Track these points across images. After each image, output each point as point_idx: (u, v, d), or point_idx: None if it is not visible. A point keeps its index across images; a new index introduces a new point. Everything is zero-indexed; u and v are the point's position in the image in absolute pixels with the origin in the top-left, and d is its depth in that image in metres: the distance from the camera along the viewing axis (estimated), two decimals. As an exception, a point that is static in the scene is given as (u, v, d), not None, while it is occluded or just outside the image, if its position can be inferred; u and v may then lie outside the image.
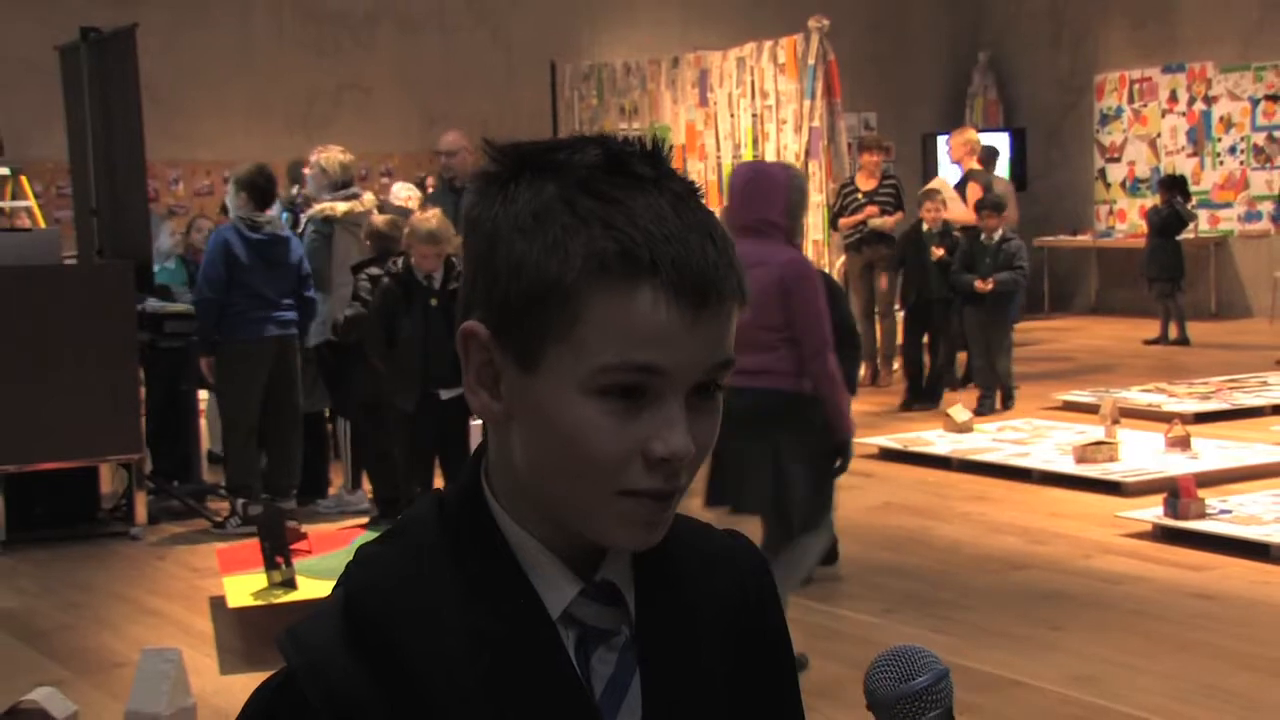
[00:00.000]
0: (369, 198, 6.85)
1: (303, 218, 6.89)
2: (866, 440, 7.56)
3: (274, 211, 6.78)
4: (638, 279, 0.84)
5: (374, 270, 6.03)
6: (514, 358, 0.88)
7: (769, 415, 4.04)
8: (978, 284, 8.37)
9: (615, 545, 0.89)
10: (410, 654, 0.87)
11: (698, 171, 10.46)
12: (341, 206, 6.51)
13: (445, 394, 5.59)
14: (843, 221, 9.62)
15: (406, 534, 0.93)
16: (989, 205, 8.53)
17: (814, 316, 4.07)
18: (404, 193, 8.58)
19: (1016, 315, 8.96)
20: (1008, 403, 8.54)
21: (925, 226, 8.88)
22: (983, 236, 8.48)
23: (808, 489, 4.15)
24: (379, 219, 6.28)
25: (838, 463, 4.15)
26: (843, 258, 9.91)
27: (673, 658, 0.94)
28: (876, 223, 9.45)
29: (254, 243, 6.33)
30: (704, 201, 0.90)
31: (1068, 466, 6.88)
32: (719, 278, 0.86)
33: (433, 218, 5.70)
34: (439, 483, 5.93)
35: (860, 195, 9.56)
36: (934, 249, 8.76)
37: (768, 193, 4.17)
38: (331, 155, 6.76)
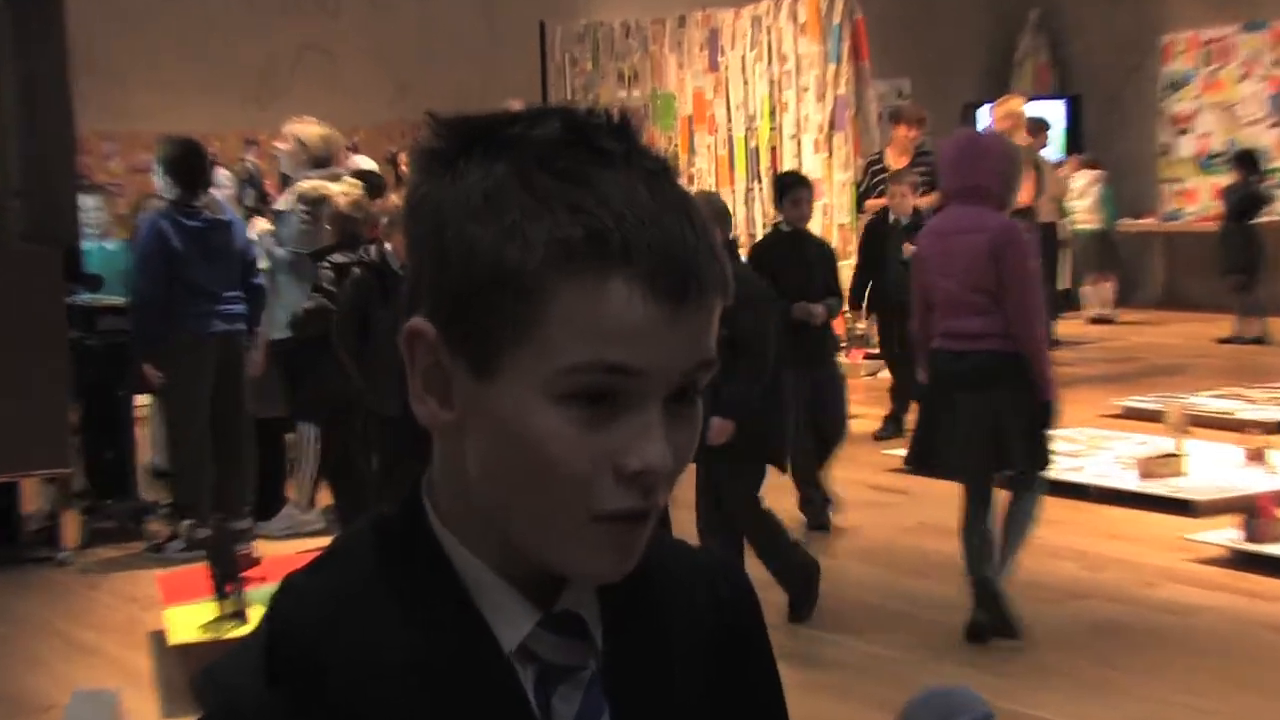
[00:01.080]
0: (353, 180, 6.85)
1: (282, 198, 6.87)
2: (898, 452, 7.56)
3: (229, 190, 6.78)
4: (609, 268, 0.84)
5: (338, 258, 6.04)
6: (466, 360, 0.87)
7: (990, 377, 4.77)
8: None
9: (584, 576, 0.89)
10: (340, 695, 0.87)
11: (707, 146, 10.48)
12: (334, 186, 6.52)
13: None
14: (869, 203, 9.62)
15: (339, 560, 0.93)
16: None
17: (1023, 282, 4.76)
18: (365, 165, 8.61)
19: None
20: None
21: (892, 216, 8.05)
22: (782, 225, 8.14)
23: (1028, 449, 4.87)
24: (342, 200, 6.28)
25: (1046, 424, 4.90)
26: None
27: (645, 693, 0.94)
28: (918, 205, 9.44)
29: (191, 230, 6.31)
30: (679, 181, 0.89)
31: (1130, 482, 6.88)
32: (700, 266, 0.86)
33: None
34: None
35: (888, 174, 9.56)
36: (905, 245, 7.69)
37: (981, 159, 4.86)
38: (310, 128, 6.79)
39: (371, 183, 7.64)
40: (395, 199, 5.86)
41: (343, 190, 6.42)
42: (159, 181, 6.56)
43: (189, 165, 6.38)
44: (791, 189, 6.43)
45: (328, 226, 6.27)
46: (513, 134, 0.87)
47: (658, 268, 0.84)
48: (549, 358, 0.84)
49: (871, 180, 9.64)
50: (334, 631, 0.88)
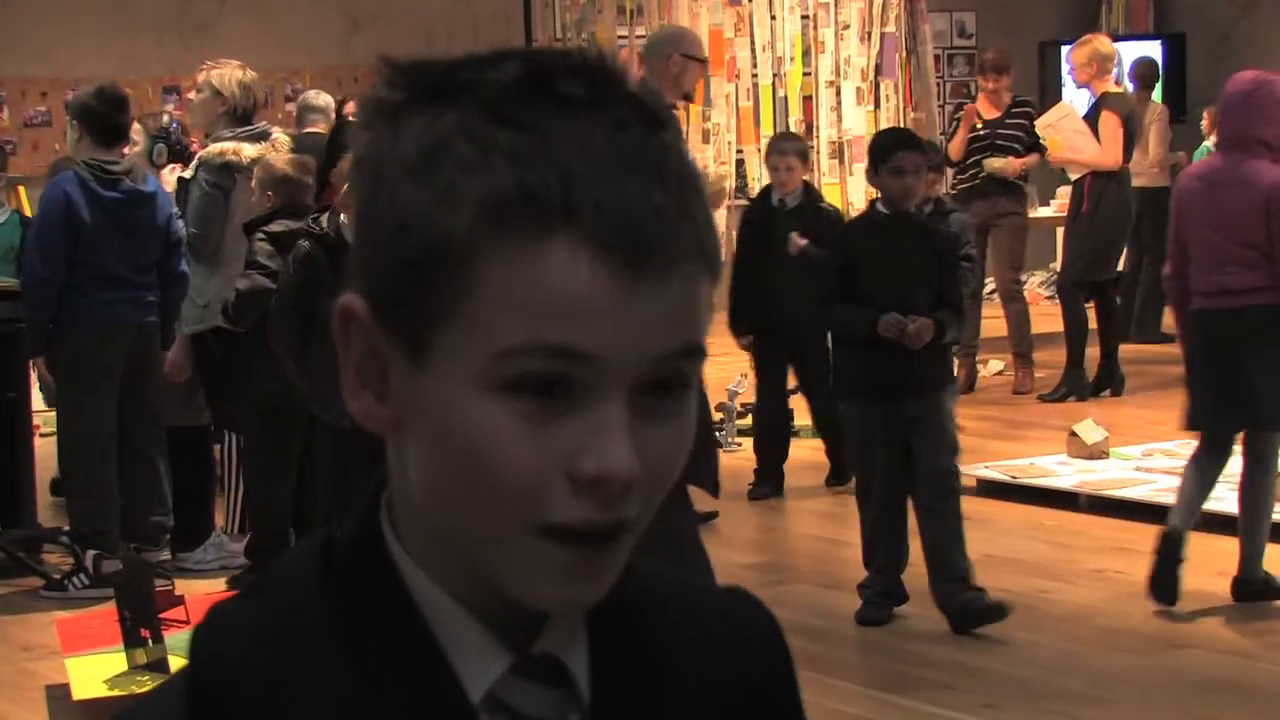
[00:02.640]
0: (282, 137, 6.84)
1: (194, 164, 6.88)
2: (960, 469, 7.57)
3: (137, 148, 6.78)
4: (548, 229, 0.84)
5: (275, 228, 6.06)
6: (401, 344, 0.88)
7: (1270, 331, 5.40)
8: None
9: (537, 603, 0.89)
10: None
11: (727, 95, 10.48)
12: (249, 149, 6.50)
13: None
14: (953, 146, 9.65)
15: (277, 587, 0.94)
16: (794, 149, 7.75)
17: None
18: (317, 99, 8.61)
19: (960, 338, 7.43)
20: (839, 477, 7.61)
21: (776, 197, 7.56)
22: (773, 197, 7.62)
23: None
24: (280, 159, 6.29)
25: None
26: None
27: None
28: (998, 165, 9.48)
29: (106, 202, 6.32)
30: (668, 134, 0.89)
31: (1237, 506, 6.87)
32: (664, 230, 0.86)
33: None
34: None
35: (980, 125, 9.60)
36: (793, 236, 7.31)
37: (1267, 107, 5.37)
38: (227, 74, 6.74)
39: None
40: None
41: (257, 151, 6.42)
42: (70, 138, 6.56)
43: (100, 116, 6.37)
44: (888, 152, 5.53)
45: (268, 192, 6.27)
46: (464, 79, 0.88)
47: (607, 228, 0.84)
48: (482, 340, 0.85)
49: (958, 128, 9.68)
50: (264, 675, 0.89)
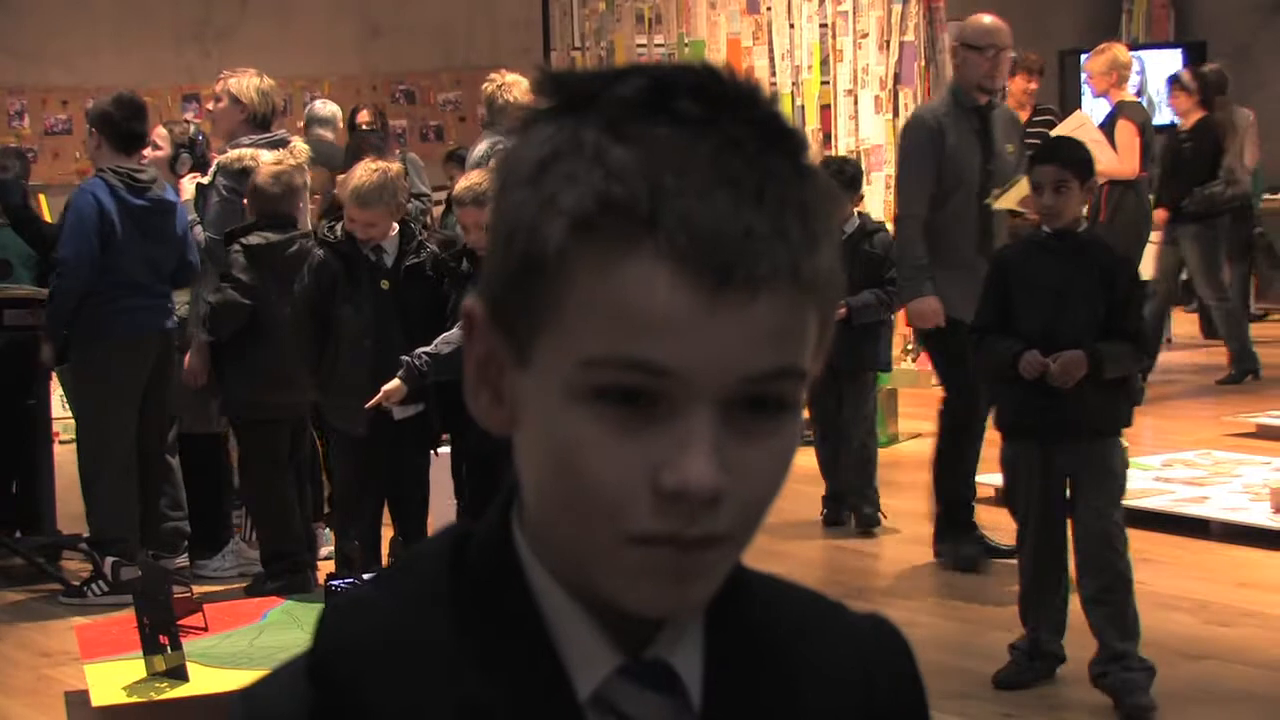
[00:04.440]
0: (300, 145, 6.87)
1: (212, 170, 6.91)
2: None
3: (163, 152, 6.81)
4: (632, 242, 0.86)
5: (254, 240, 6.11)
6: (510, 347, 0.91)
7: None
8: None
9: (630, 608, 0.91)
10: None
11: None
12: (267, 156, 6.54)
13: (400, 413, 5.63)
14: None
15: (407, 576, 0.97)
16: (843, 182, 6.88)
17: None
18: (324, 109, 8.62)
19: (887, 360, 7.42)
20: (867, 524, 7.07)
21: None
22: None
23: None
24: (264, 170, 6.32)
25: None
26: None
27: None
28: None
29: (134, 209, 6.37)
30: (785, 157, 0.89)
31: (1262, 517, 6.86)
32: (752, 250, 0.86)
33: (376, 171, 5.76)
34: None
35: None
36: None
37: None
38: (246, 81, 6.79)
39: (372, 144, 7.70)
40: (362, 168, 5.88)
41: (274, 158, 6.45)
42: (90, 146, 6.60)
43: (118, 124, 6.42)
44: (1037, 160, 5.06)
45: (247, 204, 6.32)
46: (592, 91, 0.90)
47: (689, 245, 0.85)
48: (570, 348, 0.87)
49: None
50: (384, 663, 0.92)
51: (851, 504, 7.11)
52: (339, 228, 5.79)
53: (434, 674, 0.91)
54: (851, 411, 7.06)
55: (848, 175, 7.03)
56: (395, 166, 6.05)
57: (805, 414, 6.14)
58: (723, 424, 0.87)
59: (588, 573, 0.90)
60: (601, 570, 0.90)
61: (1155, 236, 10.37)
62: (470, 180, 5.77)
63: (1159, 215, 9.95)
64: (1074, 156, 4.96)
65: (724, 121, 0.89)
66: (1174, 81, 10.48)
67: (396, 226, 5.80)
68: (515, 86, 7.64)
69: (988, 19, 6.66)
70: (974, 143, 6.44)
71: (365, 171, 5.76)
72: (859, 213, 7.21)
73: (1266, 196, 13.92)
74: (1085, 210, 5.18)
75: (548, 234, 0.87)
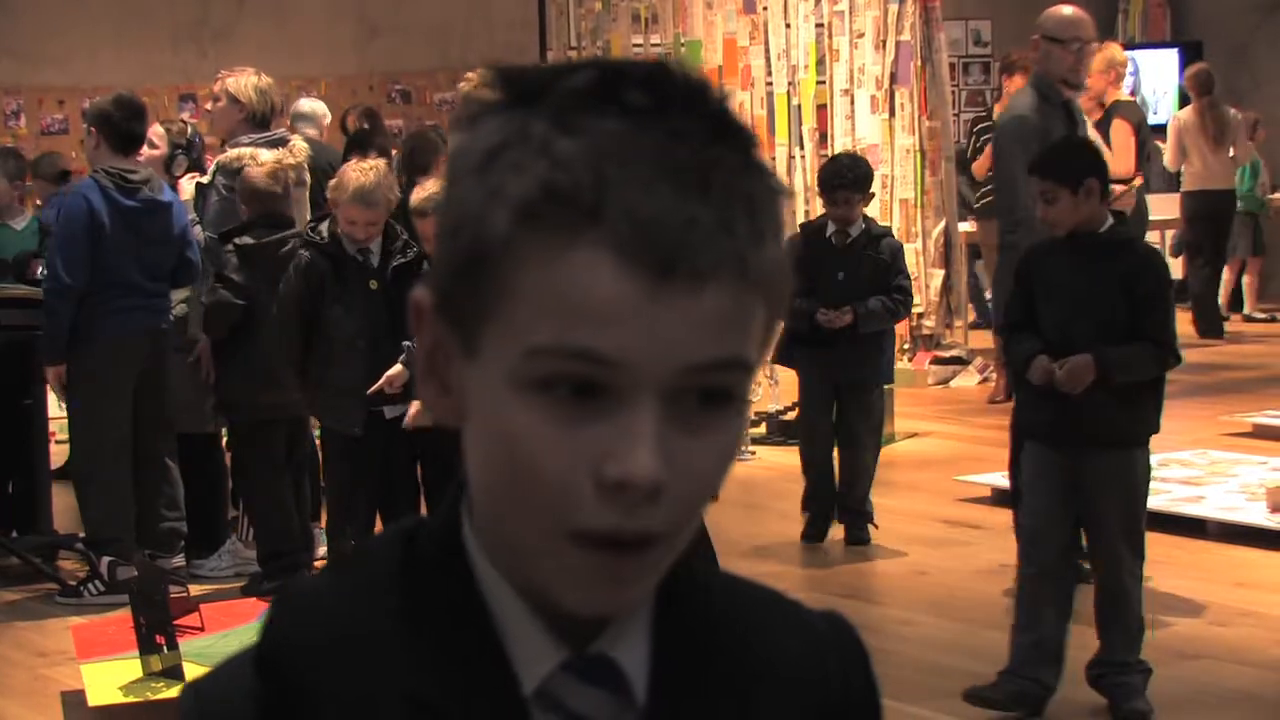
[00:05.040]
0: (299, 143, 6.87)
1: (209, 168, 6.91)
2: (974, 478, 7.56)
3: (159, 151, 6.80)
4: (576, 232, 0.86)
5: (248, 240, 6.11)
6: (456, 338, 0.91)
7: None
8: (824, 317, 6.47)
9: (565, 607, 0.91)
10: None
11: (740, 103, 10.48)
12: (266, 155, 6.53)
13: (390, 412, 5.63)
14: (977, 167, 9.65)
15: (357, 570, 0.97)
16: (839, 181, 6.62)
17: None
18: (307, 106, 8.65)
19: (890, 372, 7.24)
20: (858, 534, 6.75)
21: (831, 229, 6.74)
22: (829, 232, 6.66)
23: None
24: (256, 170, 6.31)
25: None
26: (968, 225, 9.91)
27: None
28: None
29: (126, 211, 6.35)
30: (734, 149, 0.90)
31: (1258, 517, 6.86)
32: (695, 240, 0.86)
33: (371, 170, 5.75)
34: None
35: None
36: (829, 314, 6.56)
37: None
38: (244, 80, 6.78)
39: (381, 146, 7.71)
40: (354, 167, 5.88)
41: (273, 157, 6.44)
42: (88, 146, 6.59)
43: (117, 123, 6.41)
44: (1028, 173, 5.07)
45: (242, 205, 6.32)
46: (541, 83, 0.91)
47: (633, 235, 0.86)
48: (516, 338, 0.88)
49: (978, 143, 9.67)
50: (331, 656, 0.92)
51: (846, 519, 6.70)
52: (323, 227, 5.78)
53: (381, 667, 0.91)
54: (858, 424, 6.68)
55: (859, 174, 6.69)
56: (383, 163, 6.04)
57: (791, 416, 5.81)
58: (667, 416, 0.88)
59: (529, 569, 0.91)
60: (542, 568, 0.90)
61: (1153, 237, 10.38)
62: (428, 190, 5.74)
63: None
64: (1053, 164, 4.86)
65: (672, 114, 0.89)
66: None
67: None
68: None
69: (1068, 10, 6.43)
70: (1066, 135, 6.10)
71: (361, 171, 5.75)
72: (865, 215, 6.79)
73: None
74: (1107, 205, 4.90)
75: (493, 224, 0.88)
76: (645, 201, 0.86)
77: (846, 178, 6.60)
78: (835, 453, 6.74)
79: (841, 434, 6.72)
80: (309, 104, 9.01)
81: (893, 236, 7.08)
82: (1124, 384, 4.63)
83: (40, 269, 6.88)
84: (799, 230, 6.99)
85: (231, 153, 6.63)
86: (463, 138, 0.93)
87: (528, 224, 0.87)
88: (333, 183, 5.88)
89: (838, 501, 6.74)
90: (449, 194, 0.93)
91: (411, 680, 0.91)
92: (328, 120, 9.09)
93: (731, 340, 0.89)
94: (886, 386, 8.43)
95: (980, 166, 9.66)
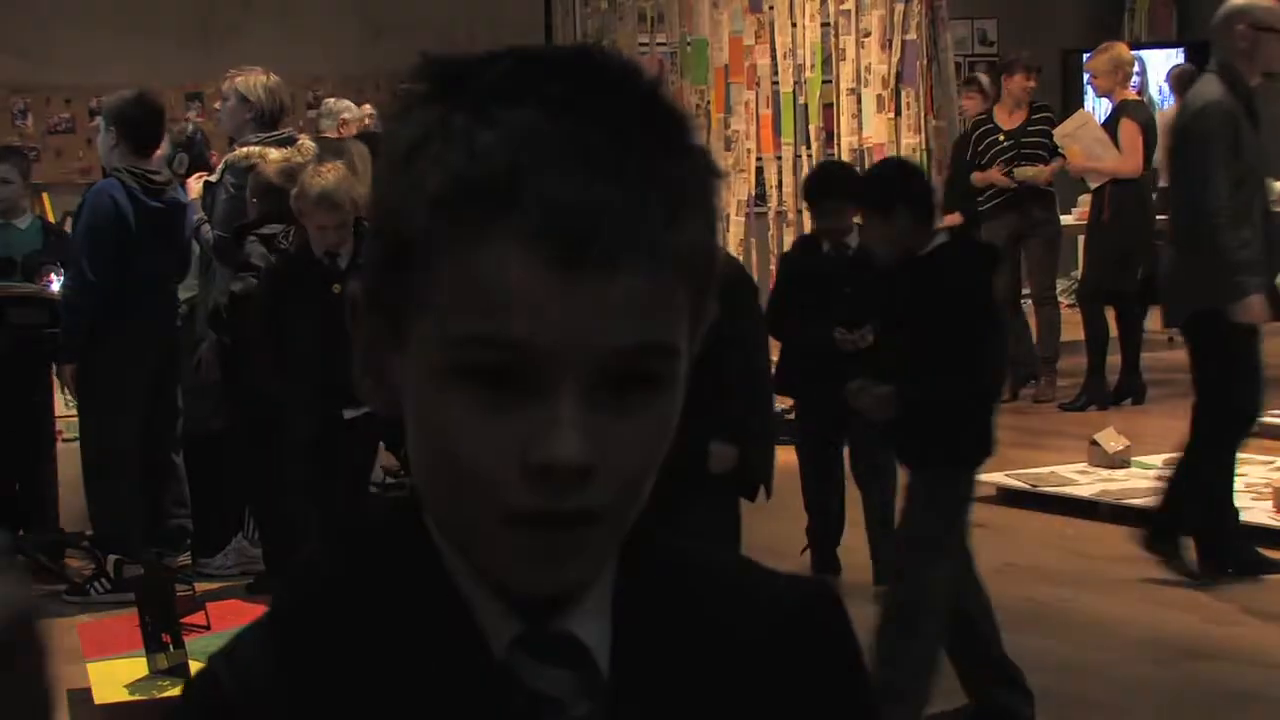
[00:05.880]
0: (307, 142, 6.88)
1: (220, 167, 6.92)
2: (980, 477, 7.55)
3: (162, 152, 6.82)
4: (488, 220, 0.87)
5: (272, 229, 6.14)
6: (385, 332, 0.93)
7: None
8: (844, 338, 5.86)
9: (514, 587, 0.93)
10: (345, 692, 0.93)
11: (746, 102, 10.48)
12: (275, 154, 6.53)
13: (349, 413, 5.65)
14: (977, 176, 9.63)
15: (351, 545, 1.00)
16: (826, 191, 6.09)
17: None
18: (338, 107, 8.66)
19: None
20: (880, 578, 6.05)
21: (826, 246, 6.20)
22: (827, 247, 6.13)
23: None
24: (270, 168, 6.32)
25: None
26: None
27: None
28: (1030, 174, 9.45)
29: (150, 211, 6.38)
30: (665, 132, 0.90)
31: (1264, 516, 6.86)
32: (609, 226, 0.87)
33: (330, 172, 5.74)
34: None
35: (1002, 138, 9.56)
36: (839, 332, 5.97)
37: None
38: (252, 79, 6.78)
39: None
40: (313, 171, 5.87)
41: (282, 155, 6.44)
42: (104, 145, 6.59)
43: (138, 122, 6.43)
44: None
45: (253, 200, 6.31)
46: (462, 74, 0.91)
47: (545, 221, 0.86)
48: (437, 329, 0.89)
49: (978, 146, 9.64)
50: (337, 625, 0.95)
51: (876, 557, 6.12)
52: (291, 233, 5.78)
53: (377, 639, 0.94)
54: (880, 454, 5.84)
55: (850, 182, 6.04)
56: (341, 165, 6.03)
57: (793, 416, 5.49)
58: (591, 400, 0.88)
59: (476, 552, 0.93)
60: (484, 550, 0.92)
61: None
62: None
63: (949, 219, 9.83)
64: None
65: (589, 100, 0.89)
66: (969, 83, 10.08)
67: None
68: None
69: None
70: (1250, 127, 6.05)
71: (319, 174, 5.72)
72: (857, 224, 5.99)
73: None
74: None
75: (412, 217, 0.89)
76: (555, 189, 0.86)
77: (834, 187, 6.05)
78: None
79: (860, 470, 6.12)
80: (337, 104, 9.07)
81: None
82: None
83: (51, 277, 6.90)
84: (794, 247, 6.75)
85: (240, 151, 6.64)
86: (390, 129, 0.93)
87: (444, 216, 0.88)
88: (295, 191, 5.81)
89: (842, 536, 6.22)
90: (376, 188, 0.93)
91: (403, 653, 0.94)
92: (353, 120, 9.11)
93: (652, 326, 0.89)
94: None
95: (982, 177, 9.63)
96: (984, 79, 9.96)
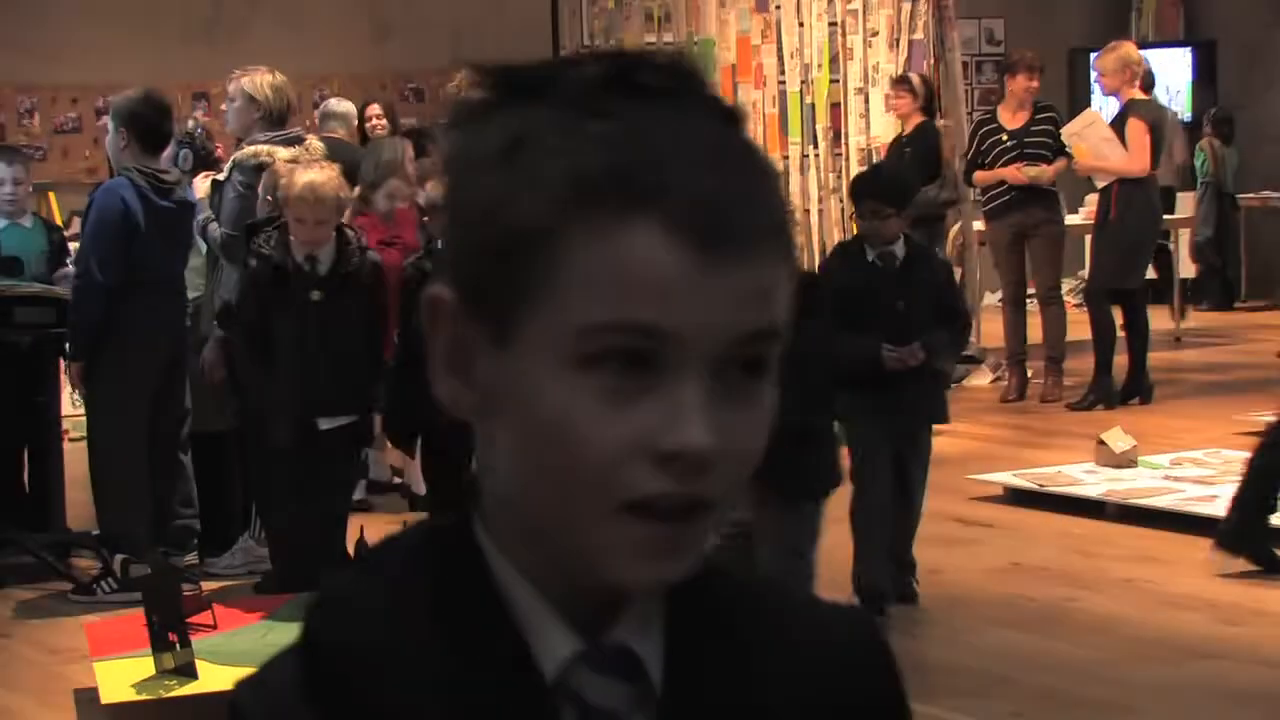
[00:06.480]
0: (315, 142, 6.87)
1: (228, 166, 6.92)
2: (987, 477, 7.56)
3: (169, 150, 6.83)
4: (632, 208, 0.88)
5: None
6: (487, 329, 0.92)
7: None
8: (892, 356, 5.51)
9: (621, 582, 0.92)
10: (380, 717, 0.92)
11: (753, 102, 10.49)
12: (283, 153, 6.53)
13: (326, 423, 5.65)
14: (979, 176, 9.62)
15: (384, 566, 0.98)
16: (882, 190, 5.75)
17: None
18: (338, 106, 8.66)
19: (946, 412, 6.07)
20: (907, 599, 5.94)
21: (872, 254, 5.72)
22: (872, 256, 5.67)
23: None
24: (283, 165, 6.32)
25: None
26: (978, 226, 9.90)
27: None
28: (1033, 173, 9.44)
29: (160, 211, 6.38)
30: (746, 130, 0.94)
31: (1272, 516, 6.85)
32: (746, 213, 0.89)
33: (317, 167, 5.74)
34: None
35: (1005, 138, 9.55)
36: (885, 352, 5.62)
37: None
38: (259, 79, 6.78)
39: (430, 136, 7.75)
40: (297, 169, 5.86)
41: (291, 154, 6.44)
42: (112, 144, 6.59)
43: (149, 121, 6.44)
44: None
45: (267, 198, 6.31)
46: (549, 76, 0.92)
47: (692, 209, 0.88)
48: (565, 318, 0.89)
49: (981, 145, 9.63)
50: (371, 659, 0.94)
51: (899, 583, 5.86)
52: (274, 236, 5.77)
53: (413, 666, 0.93)
54: (915, 473, 5.82)
55: (898, 185, 5.91)
56: (337, 167, 6.03)
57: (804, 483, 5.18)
58: (712, 388, 0.89)
59: (575, 551, 0.91)
60: (590, 545, 0.91)
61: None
62: None
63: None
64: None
65: (683, 95, 0.92)
66: (899, 82, 9.91)
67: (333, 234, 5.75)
68: None
69: None
70: None
71: (309, 167, 5.71)
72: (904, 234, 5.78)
73: (1267, 194, 13.92)
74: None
75: (535, 207, 0.89)
76: (695, 177, 0.88)
77: (878, 186, 5.77)
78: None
79: (897, 489, 5.80)
80: (339, 104, 9.04)
81: (937, 252, 6.65)
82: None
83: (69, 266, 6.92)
84: (834, 254, 6.48)
85: (247, 149, 6.64)
86: (464, 135, 0.93)
87: (579, 204, 0.88)
88: (282, 180, 5.83)
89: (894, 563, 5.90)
90: (463, 189, 0.93)
91: (445, 679, 0.93)
92: (355, 121, 9.13)
93: (770, 309, 0.91)
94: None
95: (984, 176, 9.61)
96: (915, 78, 9.82)
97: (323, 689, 0.94)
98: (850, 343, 5.40)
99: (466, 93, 0.96)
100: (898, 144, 9.74)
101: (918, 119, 9.69)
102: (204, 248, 6.84)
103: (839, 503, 5.62)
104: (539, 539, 0.93)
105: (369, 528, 5.76)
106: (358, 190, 7.11)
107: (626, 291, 0.88)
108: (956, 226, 9.93)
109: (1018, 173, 9.43)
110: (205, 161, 7.33)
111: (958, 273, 9.79)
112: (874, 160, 9.80)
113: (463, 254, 0.93)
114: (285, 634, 5.85)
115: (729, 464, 0.90)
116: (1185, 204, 12.98)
